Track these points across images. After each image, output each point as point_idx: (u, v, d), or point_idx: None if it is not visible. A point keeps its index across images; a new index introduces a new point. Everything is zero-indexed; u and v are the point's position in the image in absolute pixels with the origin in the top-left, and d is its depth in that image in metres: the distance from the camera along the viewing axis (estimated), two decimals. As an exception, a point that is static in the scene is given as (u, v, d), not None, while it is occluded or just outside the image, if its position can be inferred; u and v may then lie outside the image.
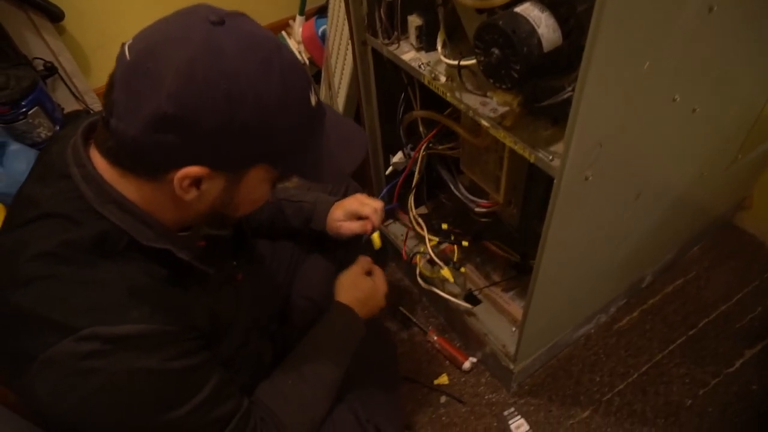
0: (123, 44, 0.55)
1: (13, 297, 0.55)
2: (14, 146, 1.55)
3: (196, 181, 0.56)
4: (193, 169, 0.55)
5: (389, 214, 1.43)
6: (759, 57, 0.91)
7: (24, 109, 1.59)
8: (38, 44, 1.77)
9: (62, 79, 1.84)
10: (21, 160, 1.53)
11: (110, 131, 0.55)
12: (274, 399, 0.74)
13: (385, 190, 1.31)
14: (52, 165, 0.60)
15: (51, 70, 1.78)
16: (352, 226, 0.99)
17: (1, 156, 1.50)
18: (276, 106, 0.56)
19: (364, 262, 0.98)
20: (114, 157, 0.57)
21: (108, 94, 0.55)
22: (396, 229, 1.42)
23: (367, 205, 0.99)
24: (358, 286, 0.94)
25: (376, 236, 1.02)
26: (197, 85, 0.51)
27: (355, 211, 0.99)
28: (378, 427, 0.88)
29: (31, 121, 1.62)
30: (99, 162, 0.58)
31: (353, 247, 1.05)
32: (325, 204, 1.02)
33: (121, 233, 0.57)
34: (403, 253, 1.32)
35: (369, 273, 0.98)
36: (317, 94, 0.64)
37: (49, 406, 0.56)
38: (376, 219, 0.99)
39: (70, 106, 1.89)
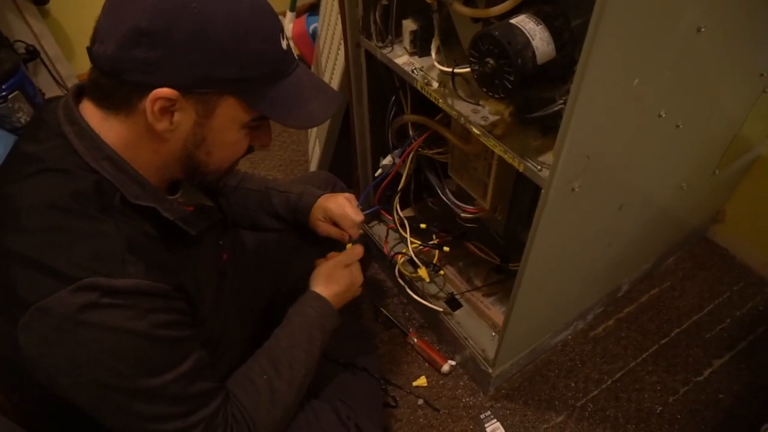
0: None
1: (14, 245, 0.56)
2: (-8, 130, 1.51)
3: (168, 108, 0.58)
4: (164, 90, 0.57)
5: (372, 216, 1.44)
6: (741, 76, 0.95)
7: (4, 93, 1.56)
8: (20, 27, 1.73)
9: (44, 63, 1.80)
10: (-1, 144, 1.49)
11: (93, 60, 0.58)
12: (246, 394, 0.74)
13: (364, 195, 1.31)
14: (45, 124, 0.62)
15: (33, 53, 1.74)
16: (329, 230, 1.00)
17: (-22, 140, 1.46)
18: (246, 30, 0.58)
19: (345, 255, 0.96)
20: (96, 92, 0.61)
21: (96, 24, 0.58)
22: (380, 230, 1.43)
23: (347, 217, 0.98)
24: (336, 280, 0.91)
25: (349, 246, 1.00)
26: (171, 1, 0.55)
27: (335, 219, 0.99)
28: (359, 426, 0.89)
29: (10, 105, 1.58)
30: (89, 113, 0.61)
31: (330, 244, 1.05)
32: (311, 197, 1.02)
33: (113, 189, 0.60)
34: (385, 249, 1.33)
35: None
36: (288, 43, 0.66)
37: (34, 359, 0.56)
38: (353, 233, 0.99)
39: (51, 91, 1.85)
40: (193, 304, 0.68)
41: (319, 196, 1.02)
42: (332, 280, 0.90)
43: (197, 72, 0.57)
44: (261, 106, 0.63)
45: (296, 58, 0.68)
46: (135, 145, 0.62)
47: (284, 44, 0.64)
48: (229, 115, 0.63)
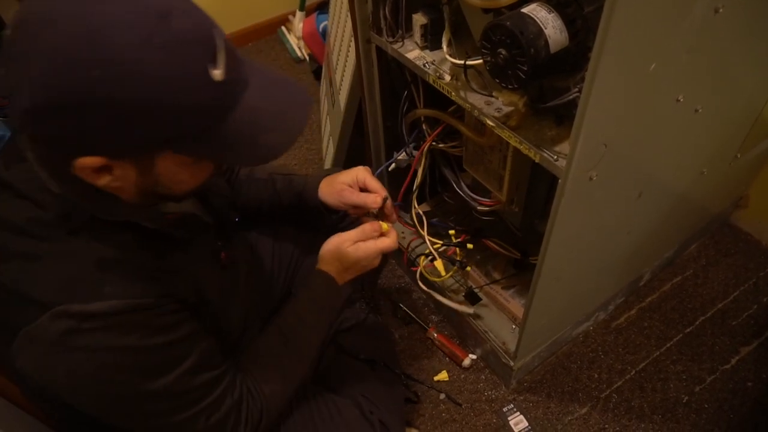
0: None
1: None
2: (13, 140, 1.54)
3: (103, 168, 0.53)
4: (88, 160, 0.51)
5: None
6: (761, 57, 0.92)
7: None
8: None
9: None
10: (20, 154, 1.51)
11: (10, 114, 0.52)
12: (257, 370, 0.76)
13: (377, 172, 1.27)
14: (12, 148, 0.58)
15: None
16: (361, 196, 0.88)
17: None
18: (160, 88, 0.49)
19: (357, 232, 0.85)
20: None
21: None
22: (397, 226, 1.42)
23: (376, 181, 0.90)
24: (340, 258, 0.84)
25: (385, 227, 0.87)
26: (67, 73, 0.46)
27: (364, 181, 0.89)
28: (382, 421, 0.89)
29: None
30: None
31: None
32: (317, 177, 0.95)
33: (83, 210, 0.57)
34: (405, 253, 1.33)
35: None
36: (232, 62, 0.54)
37: (34, 380, 0.57)
38: (383, 193, 0.89)
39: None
40: (195, 303, 0.68)
41: (324, 176, 0.95)
42: (336, 259, 0.84)
43: (116, 140, 0.51)
44: (204, 152, 0.56)
45: (244, 80, 0.57)
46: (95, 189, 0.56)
47: (219, 74, 0.52)
48: (172, 164, 0.57)
